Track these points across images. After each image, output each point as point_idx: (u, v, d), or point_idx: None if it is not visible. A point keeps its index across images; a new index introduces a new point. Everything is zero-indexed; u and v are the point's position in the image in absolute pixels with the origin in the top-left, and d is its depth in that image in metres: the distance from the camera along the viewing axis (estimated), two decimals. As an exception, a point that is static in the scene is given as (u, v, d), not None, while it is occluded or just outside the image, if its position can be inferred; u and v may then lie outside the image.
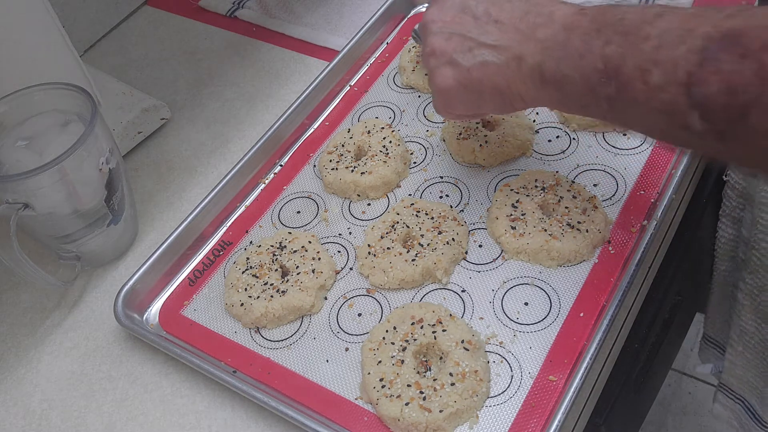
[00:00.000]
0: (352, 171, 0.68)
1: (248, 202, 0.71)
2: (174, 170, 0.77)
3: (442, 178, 0.69)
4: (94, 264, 0.69)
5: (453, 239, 0.61)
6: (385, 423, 0.53)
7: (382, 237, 0.63)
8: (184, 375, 0.60)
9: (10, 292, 0.69)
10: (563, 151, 0.68)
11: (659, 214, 0.60)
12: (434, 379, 0.53)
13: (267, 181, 0.72)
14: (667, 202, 0.61)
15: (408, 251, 0.61)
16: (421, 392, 0.52)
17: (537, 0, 0.51)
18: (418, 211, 0.64)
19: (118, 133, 0.77)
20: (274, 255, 0.63)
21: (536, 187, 0.63)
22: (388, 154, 0.69)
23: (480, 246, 0.63)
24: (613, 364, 0.60)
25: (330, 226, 0.67)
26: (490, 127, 0.71)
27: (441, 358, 0.55)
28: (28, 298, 0.68)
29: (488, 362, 0.55)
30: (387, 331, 0.56)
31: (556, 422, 0.50)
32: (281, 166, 0.74)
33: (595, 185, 0.65)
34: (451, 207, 0.65)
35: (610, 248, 0.60)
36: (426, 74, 0.76)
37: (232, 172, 0.70)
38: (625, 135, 0.68)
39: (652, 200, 0.62)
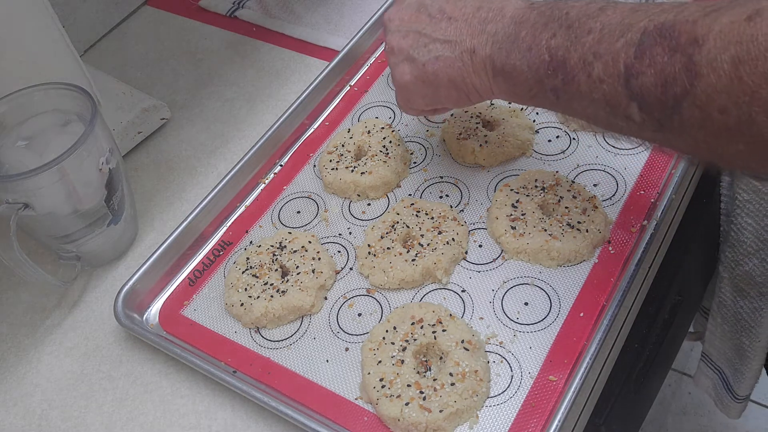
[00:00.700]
0: (352, 171, 0.68)
1: (248, 202, 0.71)
2: (174, 170, 0.77)
3: (442, 178, 0.69)
4: (94, 264, 0.69)
5: (453, 239, 0.61)
6: (385, 423, 0.53)
7: (382, 237, 0.63)
8: (184, 375, 0.60)
9: (10, 292, 0.69)
10: (563, 151, 0.68)
11: (659, 214, 0.60)
12: (434, 379, 0.53)
13: (267, 181, 0.72)
14: (667, 202, 0.61)
15: (408, 251, 0.61)
16: (421, 392, 0.52)
17: None
18: (418, 211, 0.64)
19: (118, 133, 0.77)
20: (274, 255, 0.63)
21: (536, 187, 0.63)
22: (388, 154, 0.69)
23: (480, 246, 0.63)
24: (613, 364, 0.60)
25: (330, 226, 0.67)
26: (490, 127, 0.71)
27: (441, 358, 0.55)
28: (28, 298, 0.68)
29: (488, 362, 0.55)
30: (387, 331, 0.56)
31: (556, 422, 0.50)
32: (281, 166, 0.74)
33: (595, 185, 0.65)
34: (451, 207, 0.65)
35: (610, 248, 0.60)
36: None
37: (232, 172, 0.70)
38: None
39: (652, 200, 0.62)
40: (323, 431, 0.52)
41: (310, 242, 0.64)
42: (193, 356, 0.58)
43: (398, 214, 0.64)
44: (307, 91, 0.77)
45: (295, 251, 0.63)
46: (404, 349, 0.55)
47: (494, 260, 0.62)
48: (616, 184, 0.64)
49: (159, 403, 0.59)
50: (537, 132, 0.70)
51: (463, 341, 0.55)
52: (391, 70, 0.58)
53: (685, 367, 1.46)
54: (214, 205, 0.69)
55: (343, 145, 0.71)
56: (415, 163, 0.71)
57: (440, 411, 0.51)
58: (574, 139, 0.69)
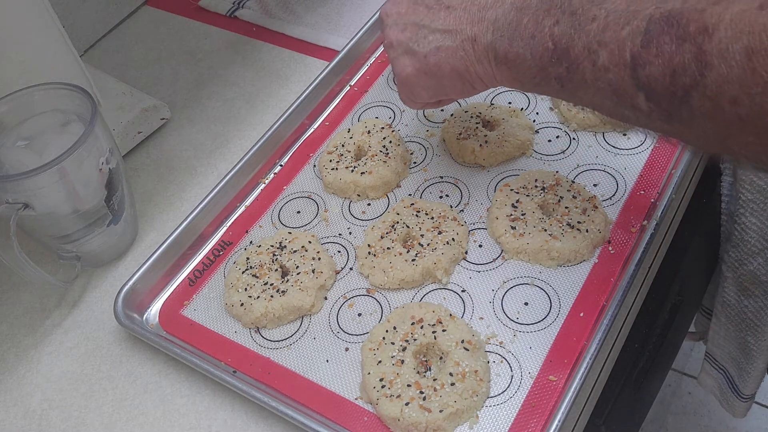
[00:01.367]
0: (352, 171, 0.68)
1: (248, 202, 0.71)
2: (174, 170, 0.77)
3: (442, 178, 0.69)
4: (94, 264, 0.69)
5: (453, 239, 0.61)
6: (385, 423, 0.53)
7: (382, 237, 0.63)
8: (184, 375, 0.60)
9: (10, 292, 0.69)
10: (563, 151, 0.68)
11: (659, 214, 0.60)
12: (434, 379, 0.53)
13: (267, 181, 0.72)
14: (667, 202, 0.61)
15: (408, 251, 0.61)
16: (421, 392, 0.52)
17: None
18: (418, 211, 0.64)
19: (118, 133, 0.77)
20: (274, 255, 0.63)
21: (536, 187, 0.63)
22: (388, 154, 0.69)
23: (480, 246, 0.63)
24: (613, 364, 0.60)
25: (330, 226, 0.67)
26: (490, 127, 0.71)
27: (441, 358, 0.55)
28: (28, 298, 0.68)
29: (488, 362, 0.55)
30: (387, 331, 0.56)
31: (556, 422, 0.50)
32: (281, 166, 0.74)
33: (595, 185, 0.65)
34: (451, 207, 0.65)
35: (610, 248, 0.60)
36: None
37: (232, 172, 0.70)
38: (625, 135, 0.68)
39: (652, 200, 0.62)
40: (323, 431, 0.52)
41: (310, 242, 0.64)
42: (193, 356, 0.58)
43: (398, 214, 0.64)
44: (307, 91, 0.77)
45: (295, 251, 0.63)
46: (404, 349, 0.55)
47: (494, 260, 0.62)
48: (616, 184, 0.64)
49: (159, 403, 0.59)
50: (537, 132, 0.70)
51: (463, 341, 0.55)
52: (392, 65, 0.57)
53: (685, 367, 1.46)
54: (214, 205, 0.69)
55: (343, 145, 0.71)
56: (415, 163, 0.71)
57: (440, 411, 0.51)
58: (574, 139, 0.69)
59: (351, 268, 0.64)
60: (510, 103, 0.73)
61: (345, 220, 0.67)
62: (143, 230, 0.72)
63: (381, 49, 0.83)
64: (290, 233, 0.65)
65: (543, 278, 0.59)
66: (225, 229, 0.69)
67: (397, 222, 0.64)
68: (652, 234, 0.59)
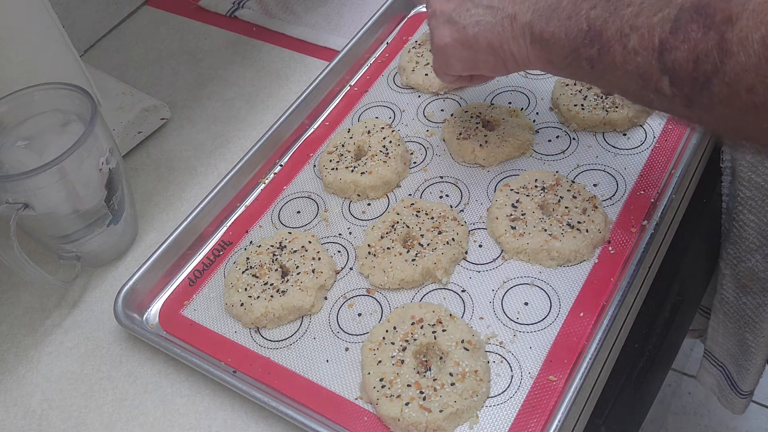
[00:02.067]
0: (352, 171, 0.68)
1: (248, 202, 0.71)
2: (174, 170, 0.77)
3: (442, 178, 0.69)
4: (94, 264, 0.69)
5: (453, 239, 0.61)
6: (385, 423, 0.53)
7: (382, 237, 0.63)
8: (184, 375, 0.60)
9: (10, 292, 0.69)
10: (563, 151, 0.68)
11: (659, 214, 0.60)
12: (434, 379, 0.53)
13: (267, 181, 0.72)
14: (667, 202, 0.61)
15: (408, 251, 0.61)
16: (421, 392, 0.52)
17: None
18: (418, 211, 0.64)
19: (118, 133, 0.77)
20: (274, 255, 0.63)
21: (536, 187, 0.63)
22: (388, 154, 0.69)
23: (480, 246, 0.63)
24: (613, 364, 0.60)
25: (330, 226, 0.67)
26: (490, 127, 0.71)
27: (441, 358, 0.55)
28: (28, 298, 0.68)
29: (488, 362, 0.55)
30: (387, 331, 0.56)
31: (556, 422, 0.50)
32: (281, 166, 0.74)
33: (595, 185, 0.65)
34: (451, 207, 0.65)
35: (610, 248, 0.60)
36: (426, 74, 0.76)
37: (232, 172, 0.70)
38: (625, 135, 0.68)
39: (652, 200, 0.62)
40: (323, 431, 0.52)
41: (310, 242, 0.64)
42: (193, 356, 0.58)
43: (398, 214, 0.64)
44: (307, 91, 0.77)
45: (295, 251, 0.63)
46: (404, 349, 0.55)
47: (494, 260, 0.62)
48: (616, 184, 0.64)
49: (159, 403, 0.59)
50: (537, 132, 0.70)
51: (463, 341, 0.55)
52: (431, 33, 0.59)
53: (685, 367, 1.46)
54: (214, 205, 0.69)
55: (343, 145, 0.71)
56: (415, 163, 0.71)
57: (440, 411, 0.51)
58: (574, 139, 0.69)
59: (351, 268, 0.64)
60: (510, 103, 0.73)
61: (345, 220, 0.67)
62: (143, 230, 0.72)
63: (381, 49, 0.83)
64: (290, 233, 0.65)
65: (543, 278, 0.59)
66: (225, 229, 0.69)
67: (397, 222, 0.64)
68: (652, 234, 0.59)
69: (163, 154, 0.79)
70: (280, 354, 0.59)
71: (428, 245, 0.61)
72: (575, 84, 0.71)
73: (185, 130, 0.81)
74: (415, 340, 0.55)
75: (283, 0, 0.94)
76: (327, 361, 0.58)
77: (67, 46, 0.69)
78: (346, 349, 0.58)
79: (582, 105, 0.69)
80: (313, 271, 0.61)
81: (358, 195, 0.68)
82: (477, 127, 0.70)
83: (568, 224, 0.60)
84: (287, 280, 0.61)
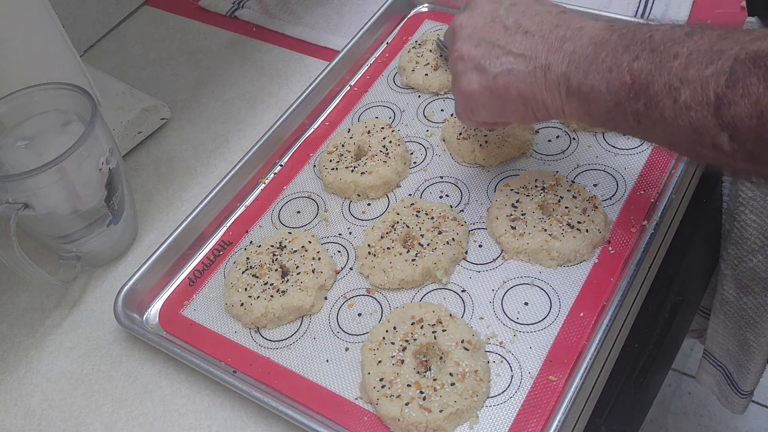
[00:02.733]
0: (352, 171, 0.68)
1: (248, 202, 0.71)
2: (174, 170, 0.77)
3: (442, 178, 0.69)
4: (94, 264, 0.69)
5: (453, 239, 0.61)
6: (385, 423, 0.53)
7: (382, 237, 0.63)
8: (184, 375, 0.60)
9: (10, 292, 0.69)
10: (563, 151, 0.68)
11: (659, 214, 0.60)
12: (434, 379, 0.53)
13: (267, 181, 0.72)
14: (667, 202, 0.61)
15: (408, 251, 0.61)
16: (421, 392, 0.52)
17: (567, 16, 0.52)
18: (418, 211, 0.64)
19: (118, 133, 0.77)
20: (274, 255, 0.63)
21: (536, 187, 0.63)
22: (388, 154, 0.69)
23: (480, 246, 0.63)
24: (613, 364, 0.60)
25: (330, 226, 0.67)
26: (490, 127, 0.71)
27: (441, 358, 0.55)
28: (28, 298, 0.68)
29: (488, 362, 0.55)
30: (387, 331, 0.56)
31: (556, 422, 0.50)
32: (281, 166, 0.74)
33: (595, 185, 0.65)
34: (451, 207, 0.65)
35: (610, 248, 0.60)
36: (426, 74, 0.76)
37: (232, 172, 0.70)
38: (625, 135, 0.68)
39: (652, 200, 0.62)
40: (323, 431, 0.52)
41: (310, 242, 0.64)
42: (193, 356, 0.58)
43: (398, 214, 0.64)
44: (307, 91, 0.77)
45: (295, 251, 0.63)
46: (404, 349, 0.55)
47: (494, 260, 0.62)
48: (616, 184, 0.64)
49: (159, 403, 0.59)
50: (537, 132, 0.70)
51: (463, 341, 0.55)
52: (457, 78, 0.56)
53: (685, 367, 1.46)
54: (214, 205, 0.69)
55: (343, 145, 0.71)
56: (415, 163, 0.71)
57: (440, 411, 0.51)
58: (574, 139, 0.69)
59: (351, 268, 0.64)
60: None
61: (345, 220, 0.67)
62: (143, 230, 0.72)
63: (381, 49, 0.83)
64: (290, 233, 0.65)
65: (543, 278, 0.59)
66: (225, 229, 0.69)
67: (397, 222, 0.64)
68: (652, 234, 0.59)
69: (163, 154, 0.79)
70: (280, 354, 0.59)
71: (428, 245, 0.61)
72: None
73: (185, 130, 0.81)
74: (415, 340, 0.55)
75: (283, 0, 0.94)
76: (327, 361, 0.58)
77: (67, 46, 0.69)
78: (346, 349, 0.58)
79: (582, 105, 0.69)
80: (313, 271, 0.61)
81: (358, 195, 0.68)
82: (477, 127, 0.69)
83: (568, 224, 0.60)
84: (287, 280, 0.61)
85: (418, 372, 0.54)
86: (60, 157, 0.57)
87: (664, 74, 0.42)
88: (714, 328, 0.91)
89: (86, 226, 0.64)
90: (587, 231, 0.59)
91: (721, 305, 0.87)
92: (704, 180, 0.72)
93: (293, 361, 0.58)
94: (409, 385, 0.53)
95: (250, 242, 0.67)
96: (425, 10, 0.87)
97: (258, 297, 0.60)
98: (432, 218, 0.63)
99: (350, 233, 0.66)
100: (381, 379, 0.54)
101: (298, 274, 0.61)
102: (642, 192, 0.63)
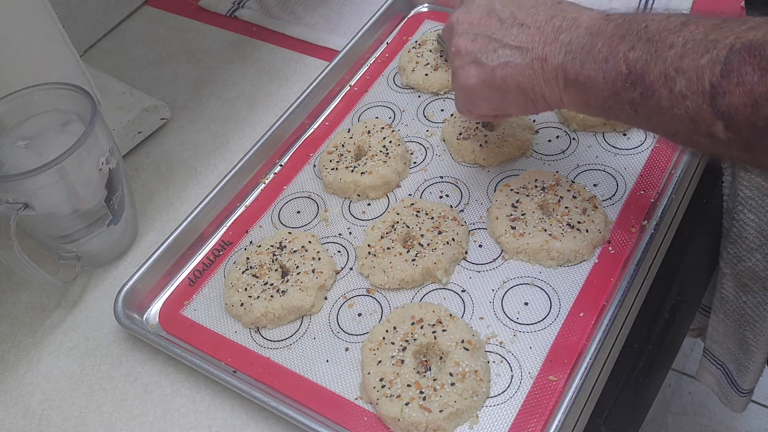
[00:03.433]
0: (352, 171, 0.68)
1: (248, 202, 0.71)
2: (174, 170, 0.77)
3: (442, 178, 0.69)
4: (94, 264, 0.69)
5: (453, 239, 0.61)
6: (385, 423, 0.53)
7: (382, 237, 0.63)
8: (184, 375, 0.60)
9: (10, 292, 0.69)
10: (563, 151, 0.68)
11: (659, 214, 0.60)
12: (434, 379, 0.53)
13: (267, 181, 0.72)
14: (667, 202, 0.61)
15: (408, 251, 0.61)
16: (421, 392, 0.52)
17: (563, 6, 0.52)
18: (418, 211, 0.64)
19: (118, 133, 0.77)
20: (274, 255, 0.63)
21: (536, 187, 0.63)
22: (388, 154, 0.69)
23: (480, 246, 0.63)
24: (613, 364, 0.60)
25: (330, 226, 0.67)
26: (490, 127, 0.71)
27: (441, 358, 0.55)
28: (28, 298, 0.68)
29: (488, 362, 0.55)
30: (387, 331, 0.56)
31: (556, 422, 0.50)
32: (281, 166, 0.74)
33: (595, 185, 0.65)
34: (451, 207, 0.65)
35: (610, 248, 0.60)
36: (426, 74, 0.76)
37: (232, 172, 0.70)
38: (625, 135, 0.68)
39: (652, 200, 0.62)
40: (323, 431, 0.52)
41: (310, 242, 0.64)
42: (193, 356, 0.58)
43: (398, 214, 0.64)
44: (307, 91, 0.77)
45: (295, 251, 0.63)
46: (404, 349, 0.55)
47: (494, 260, 0.62)
48: (616, 184, 0.64)
49: (159, 403, 0.59)
50: (537, 132, 0.70)
51: (463, 341, 0.55)
52: (456, 73, 0.56)
53: (685, 367, 1.46)
54: (214, 205, 0.69)
55: (343, 145, 0.71)
56: (415, 163, 0.71)
57: (440, 411, 0.51)
58: (574, 139, 0.69)
59: (351, 268, 0.64)
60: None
61: (345, 220, 0.67)
62: (143, 230, 0.72)
63: (381, 49, 0.83)
64: (290, 233, 0.65)
65: (543, 278, 0.59)
66: (225, 229, 0.69)
67: (397, 222, 0.64)
68: (652, 234, 0.59)
69: (163, 154, 0.79)
70: (280, 354, 0.59)
71: (428, 245, 0.61)
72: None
73: (185, 130, 0.81)
74: (415, 340, 0.55)
75: (283, 0, 0.94)
76: (327, 361, 0.58)
77: (67, 46, 0.69)
78: (346, 349, 0.58)
79: (582, 105, 0.69)
80: (313, 271, 0.61)
81: (358, 195, 0.68)
82: (477, 127, 0.69)
83: (568, 224, 0.60)
84: (287, 280, 0.61)
85: (418, 372, 0.54)
86: (60, 157, 0.57)
87: (660, 64, 0.43)
88: (714, 326, 0.91)
89: (86, 226, 0.64)
90: (587, 231, 0.59)
91: (720, 304, 0.87)
92: (704, 180, 0.72)
93: (293, 361, 0.58)
94: (409, 385, 0.53)
95: (250, 242, 0.67)
96: (425, 10, 0.87)
97: (258, 297, 0.60)
98: (432, 218, 0.63)
99: (350, 233, 0.66)
100: (381, 379, 0.54)
101: (298, 274, 0.61)
102: (642, 192, 0.63)
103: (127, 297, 0.63)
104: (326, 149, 0.72)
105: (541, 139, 0.70)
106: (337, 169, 0.69)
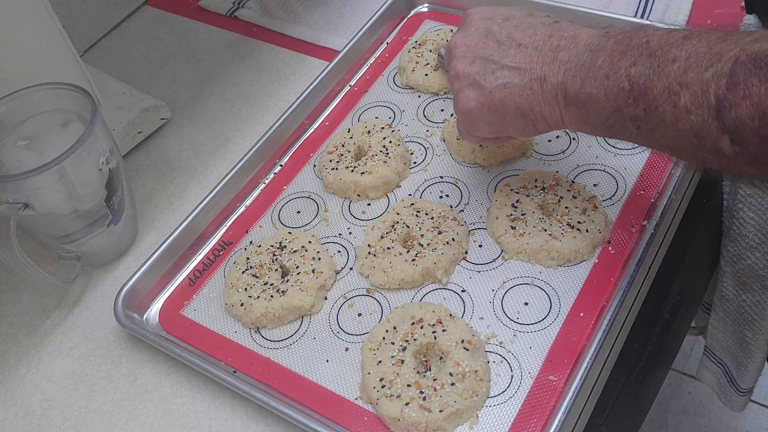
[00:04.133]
0: (352, 171, 0.68)
1: (248, 202, 0.71)
2: (174, 170, 0.77)
3: (442, 178, 0.69)
4: (94, 264, 0.69)
5: (453, 239, 0.61)
6: (385, 423, 0.53)
7: (382, 237, 0.63)
8: (184, 375, 0.60)
9: (10, 292, 0.69)
10: (563, 151, 0.68)
11: (659, 214, 0.60)
12: (434, 379, 0.53)
13: (267, 181, 0.72)
14: (667, 202, 0.61)
15: (408, 251, 0.61)
16: (421, 392, 0.52)
17: (561, 25, 0.51)
18: (418, 211, 0.64)
19: (118, 133, 0.77)
20: (274, 255, 0.63)
21: (536, 187, 0.63)
22: (388, 154, 0.69)
23: (480, 246, 0.63)
24: (613, 364, 0.60)
25: (330, 226, 0.67)
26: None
27: (441, 358, 0.55)
28: (28, 298, 0.68)
29: (488, 362, 0.55)
30: (387, 331, 0.56)
31: (556, 422, 0.50)
32: (281, 166, 0.74)
33: (595, 185, 0.65)
34: (451, 207, 0.65)
35: (610, 248, 0.60)
36: (426, 74, 0.76)
37: (232, 172, 0.70)
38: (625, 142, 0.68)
39: (652, 200, 0.62)
40: (323, 431, 0.52)
41: (310, 242, 0.64)
42: (193, 356, 0.58)
43: (398, 214, 0.64)
44: (307, 91, 0.77)
45: (295, 251, 0.63)
46: (404, 349, 0.55)
47: (494, 260, 0.62)
48: (616, 184, 0.64)
49: (159, 403, 0.59)
50: (537, 132, 0.70)
51: (463, 341, 0.55)
52: (455, 96, 0.56)
53: (685, 367, 1.46)
54: (214, 205, 0.69)
55: (343, 145, 0.71)
56: (415, 163, 0.71)
57: (440, 411, 0.51)
58: (574, 139, 0.69)
59: (351, 268, 0.64)
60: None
61: (345, 220, 0.67)
62: (143, 230, 0.72)
63: (381, 49, 0.83)
64: (290, 233, 0.65)
65: (543, 278, 0.59)
66: (225, 229, 0.69)
67: (397, 222, 0.64)
68: (652, 234, 0.59)
69: (163, 154, 0.79)
70: (280, 354, 0.59)
71: (428, 245, 0.61)
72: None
73: (185, 130, 0.81)
74: (415, 340, 0.55)
75: (283, 0, 0.94)
76: (327, 361, 0.58)
77: (67, 46, 0.69)
78: (346, 349, 0.58)
79: (582, 105, 0.69)
80: (313, 271, 0.61)
81: (358, 195, 0.68)
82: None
83: (568, 224, 0.60)
84: (287, 280, 0.61)
85: (418, 372, 0.54)
86: (60, 157, 0.57)
87: (663, 78, 0.42)
88: (714, 325, 0.91)
89: (86, 226, 0.64)
90: (587, 231, 0.59)
91: (720, 302, 0.87)
92: (704, 180, 0.72)
93: (293, 361, 0.58)
94: (409, 385, 0.53)
95: (250, 242, 0.67)
96: (425, 10, 0.87)
97: (258, 297, 0.60)
98: (432, 218, 0.63)
99: (350, 233, 0.66)
100: (381, 379, 0.54)
101: (298, 274, 0.61)
102: (642, 192, 0.63)
103: (127, 297, 0.63)
104: (326, 149, 0.72)
105: (541, 139, 0.70)
106: (337, 169, 0.69)
